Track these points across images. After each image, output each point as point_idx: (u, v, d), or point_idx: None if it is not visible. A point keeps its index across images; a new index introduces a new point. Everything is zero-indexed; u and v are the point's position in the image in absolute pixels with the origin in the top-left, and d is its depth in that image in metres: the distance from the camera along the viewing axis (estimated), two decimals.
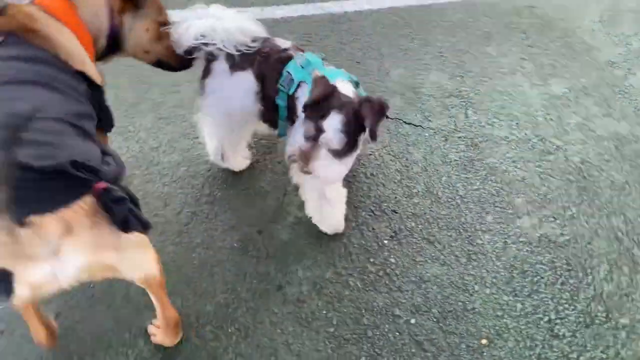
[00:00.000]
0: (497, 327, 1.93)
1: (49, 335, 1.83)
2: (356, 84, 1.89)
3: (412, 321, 1.97)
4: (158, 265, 1.63)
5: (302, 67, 1.89)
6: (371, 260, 2.14)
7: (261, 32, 2.01)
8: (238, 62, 1.97)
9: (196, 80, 2.15)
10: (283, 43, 2.01)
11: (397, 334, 1.94)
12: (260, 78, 1.97)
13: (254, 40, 1.96)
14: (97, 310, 2.09)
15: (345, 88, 1.76)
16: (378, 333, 1.95)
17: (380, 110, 1.68)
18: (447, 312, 1.98)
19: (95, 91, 1.67)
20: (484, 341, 1.91)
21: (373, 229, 2.23)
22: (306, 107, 1.71)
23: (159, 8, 1.96)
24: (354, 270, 2.12)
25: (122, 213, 1.26)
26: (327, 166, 1.73)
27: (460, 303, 2.00)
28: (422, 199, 2.31)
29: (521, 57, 2.81)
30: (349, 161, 1.82)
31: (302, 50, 2.00)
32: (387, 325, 1.96)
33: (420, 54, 2.91)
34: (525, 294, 2.00)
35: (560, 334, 1.89)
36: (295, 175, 2.01)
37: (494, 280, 2.04)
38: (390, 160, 2.45)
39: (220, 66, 2.01)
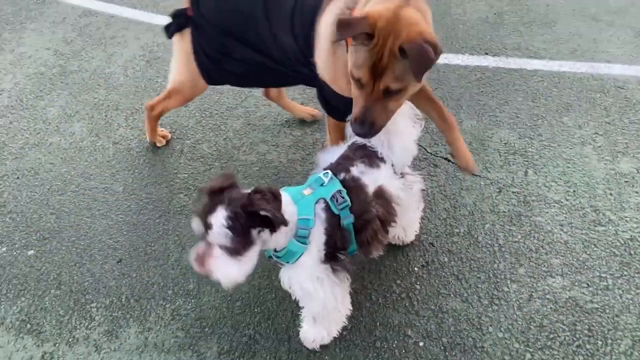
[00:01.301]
0: None
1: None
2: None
3: (421, 344, 2.06)
4: None
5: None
6: (397, 282, 2.27)
7: None
8: None
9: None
10: None
11: (404, 351, 2.04)
12: None
13: None
14: (151, 266, 2.40)
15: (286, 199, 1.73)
16: (386, 346, 2.06)
17: (274, 196, 1.63)
18: (456, 344, 2.05)
19: None
20: None
21: (407, 255, 2.36)
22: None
23: None
24: (380, 286, 2.25)
25: None
26: (223, 266, 1.63)
27: (471, 339, 2.06)
28: (461, 239, 2.40)
29: (596, 131, 2.84)
30: (250, 257, 1.66)
31: None
32: (396, 342, 2.07)
33: (496, 112, 3.03)
34: (537, 346, 2.01)
35: None
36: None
37: (510, 326, 2.08)
38: (441, 198, 2.58)
39: None
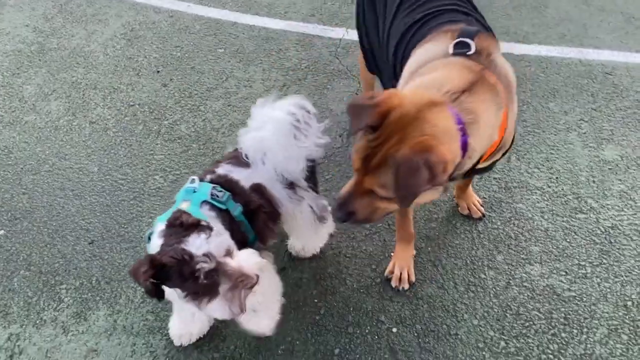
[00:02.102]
0: (473, 357, 1.93)
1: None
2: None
3: (394, 330, 2.02)
4: None
5: None
6: (373, 267, 2.23)
7: None
8: None
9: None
10: None
11: (376, 337, 2.00)
12: None
13: None
14: (123, 247, 2.35)
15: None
16: (358, 332, 2.03)
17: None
18: (430, 331, 2.02)
19: None
20: None
21: (385, 240, 2.31)
22: None
23: None
24: (355, 271, 2.21)
25: None
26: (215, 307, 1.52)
27: (445, 326, 2.02)
28: (439, 225, 2.36)
29: (582, 117, 2.79)
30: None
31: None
32: (369, 327, 2.03)
33: None
34: (512, 334, 1.98)
35: None
36: None
37: (486, 314, 2.04)
38: None
39: None
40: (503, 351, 1.94)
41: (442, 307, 2.08)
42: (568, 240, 2.26)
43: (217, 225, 1.68)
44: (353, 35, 3.06)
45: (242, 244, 1.75)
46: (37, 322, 2.13)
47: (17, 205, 2.58)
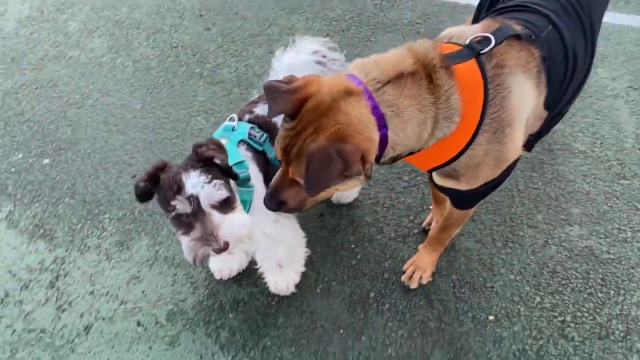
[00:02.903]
0: (508, 310, 1.94)
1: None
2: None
3: (430, 279, 2.04)
4: None
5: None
6: (411, 217, 2.23)
7: None
8: None
9: None
10: None
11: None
12: None
13: None
14: None
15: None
16: (394, 278, 2.04)
17: (218, 146, 1.53)
18: (466, 282, 2.02)
19: None
20: (491, 317, 1.93)
21: (423, 193, 2.31)
22: None
23: None
24: (392, 221, 2.21)
25: None
26: (233, 219, 1.51)
27: (481, 279, 2.03)
28: None
29: (630, 85, 2.71)
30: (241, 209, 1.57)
31: None
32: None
33: None
34: (548, 291, 1.98)
35: (570, 336, 1.86)
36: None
37: (522, 270, 2.04)
38: None
39: None
40: (538, 306, 1.94)
41: (479, 260, 2.08)
42: (609, 204, 2.23)
43: (252, 167, 1.68)
44: None
45: None
46: (81, 247, 2.19)
47: (61, 136, 2.62)
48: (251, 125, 1.74)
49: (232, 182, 1.59)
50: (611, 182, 2.30)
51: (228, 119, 1.78)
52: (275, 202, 1.42)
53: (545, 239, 2.13)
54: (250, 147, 1.71)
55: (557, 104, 1.57)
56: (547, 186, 2.31)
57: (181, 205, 1.41)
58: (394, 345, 1.88)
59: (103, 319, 1.97)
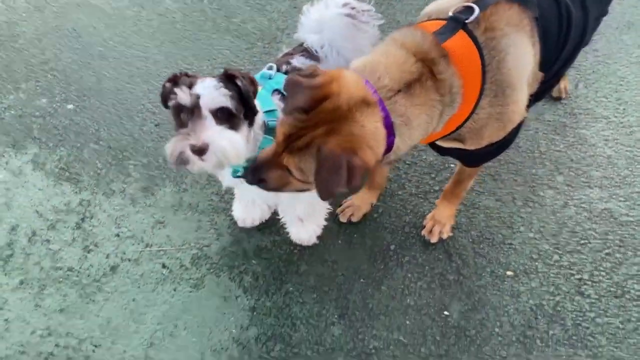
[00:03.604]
0: (526, 266, 1.95)
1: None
2: None
3: (450, 234, 2.05)
4: None
5: None
6: (432, 175, 2.23)
7: None
8: None
9: None
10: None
11: (432, 239, 2.04)
12: None
13: None
14: None
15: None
16: (414, 232, 2.05)
17: (253, 84, 1.52)
18: (485, 239, 2.03)
19: None
20: (509, 273, 1.95)
21: None
22: None
23: None
24: (414, 178, 2.21)
25: None
26: (224, 134, 1.45)
27: (500, 235, 2.04)
28: None
29: None
30: (244, 138, 1.52)
31: None
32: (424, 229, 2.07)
33: None
34: (567, 250, 1.99)
35: (586, 293, 1.88)
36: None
37: (541, 228, 2.05)
38: None
39: None
40: (556, 264, 1.96)
41: (498, 218, 2.09)
42: (630, 169, 2.22)
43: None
44: None
45: None
46: (107, 191, 2.20)
47: (86, 84, 2.61)
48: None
49: (257, 127, 1.58)
50: (633, 147, 2.29)
51: (266, 67, 1.77)
52: (256, 178, 1.41)
53: (565, 200, 2.13)
54: (284, 98, 1.70)
55: (552, 65, 1.55)
56: (569, 149, 2.30)
57: (181, 95, 1.40)
58: (412, 295, 1.90)
59: (129, 260, 2.00)
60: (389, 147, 1.32)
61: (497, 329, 1.82)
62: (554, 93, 2.46)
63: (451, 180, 1.92)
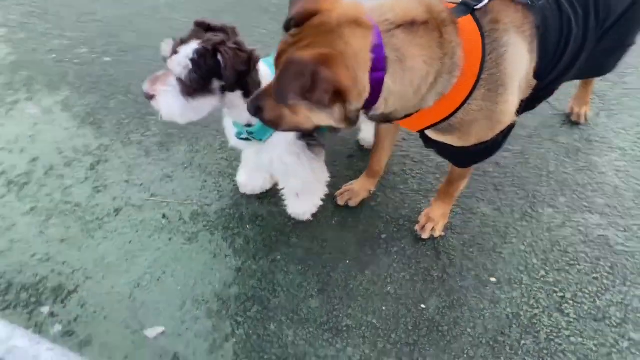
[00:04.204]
0: (511, 276, 1.96)
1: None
2: None
3: (443, 233, 2.07)
4: None
5: None
6: (437, 175, 2.25)
7: None
8: None
9: None
10: None
11: (424, 234, 2.06)
12: None
13: None
14: None
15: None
16: (408, 226, 2.08)
17: (243, 60, 1.50)
18: (476, 243, 2.05)
19: None
20: (493, 279, 1.95)
21: None
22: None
23: None
24: (418, 175, 2.24)
25: None
26: (170, 98, 1.54)
27: (491, 243, 2.05)
28: (512, 156, 2.34)
29: None
30: (199, 107, 1.59)
31: None
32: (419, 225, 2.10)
33: None
34: (554, 267, 1.99)
35: (566, 312, 1.87)
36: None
37: (533, 243, 2.05)
38: None
39: None
40: (541, 279, 1.95)
41: (493, 226, 2.10)
42: (636, 202, 2.20)
43: None
44: None
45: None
46: (125, 140, 2.31)
47: (125, 40, 2.73)
48: None
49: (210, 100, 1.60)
50: None
51: None
52: (254, 106, 1.38)
53: (563, 220, 2.13)
54: None
55: (548, 74, 1.54)
56: (577, 173, 2.29)
57: (164, 47, 1.52)
58: (394, 284, 1.93)
59: (132, 206, 2.09)
60: (377, 90, 1.24)
61: (469, 330, 1.83)
62: (573, 117, 2.46)
63: (445, 180, 1.96)
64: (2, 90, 2.47)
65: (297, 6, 1.22)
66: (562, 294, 1.92)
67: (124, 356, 1.72)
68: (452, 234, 2.07)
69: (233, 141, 1.82)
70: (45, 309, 1.82)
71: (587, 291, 1.93)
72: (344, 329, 1.82)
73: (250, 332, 1.79)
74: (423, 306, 1.88)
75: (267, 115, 1.37)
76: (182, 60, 1.47)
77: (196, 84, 1.51)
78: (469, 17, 1.34)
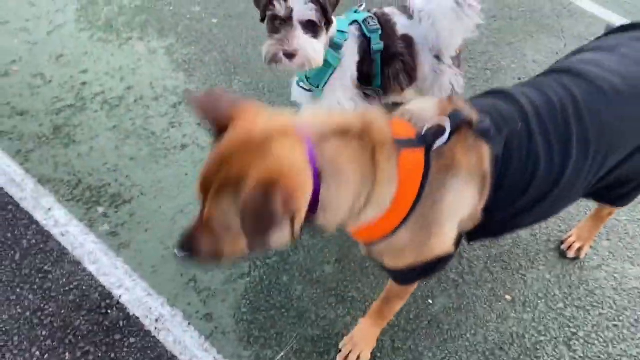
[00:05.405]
0: (528, 299, 1.93)
1: None
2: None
3: (471, 243, 2.08)
4: None
5: None
6: None
7: None
8: None
9: None
10: None
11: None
12: None
13: None
14: None
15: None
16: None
17: None
18: (502, 260, 2.04)
19: None
20: (508, 297, 1.94)
21: None
22: None
23: None
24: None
25: None
26: (309, 42, 1.70)
27: (517, 264, 2.03)
28: None
29: None
30: (323, 44, 1.77)
31: None
32: None
33: None
34: (575, 304, 1.93)
35: (574, 348, 1.82)
36: None
37: (561, 275, 2.00)
38: None
39: None
40: (558, 310, 1.91)
41: (524, 249, 2.07)
42: None
43: (351, 43, 1.85)
44: (584, 4, 2.94)
45: (365, 80, 1.92)
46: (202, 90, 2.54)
47: (235, 7, 2.99)
48: (371, 15, 1.90)
49: (324, 38, 1.78)
50: None
51: (358, 4, 1.97)
52: (187, 250, 1.13)
53: (600, 263, 2.06)
54: (360, 29, 1.89)
55: (503, 209, 1.36)
56: (629, 223, 2.20)
57: (278, 7, 1.65)
58: None
59: (198, 145, 2.30)
60: (314, 201, 1.10)
61: (469, 335, 1.84)
62: (564, 246, 2.09)
63: (379, 298, 1.68)
64: (122, 27, 2.79)
65: (217, 109, 1.08)
66: (574, 330, 1.87)
67: (152, 265, 1.92)
68: (481, 246, 2.08)
69: (296, 92, 1.98)
70: (101, 209, 2.06)
71: (602, 335, 1.87)
72: (349, 298, 1.89)
73: (265, 277, 1.92)
74: (430, 301, 1.91)
75: (204, 255, 1.14)
76: (302, 6, 1.66)
77: (323, 20, 1.71)
78: (421, 152, 1.21)
